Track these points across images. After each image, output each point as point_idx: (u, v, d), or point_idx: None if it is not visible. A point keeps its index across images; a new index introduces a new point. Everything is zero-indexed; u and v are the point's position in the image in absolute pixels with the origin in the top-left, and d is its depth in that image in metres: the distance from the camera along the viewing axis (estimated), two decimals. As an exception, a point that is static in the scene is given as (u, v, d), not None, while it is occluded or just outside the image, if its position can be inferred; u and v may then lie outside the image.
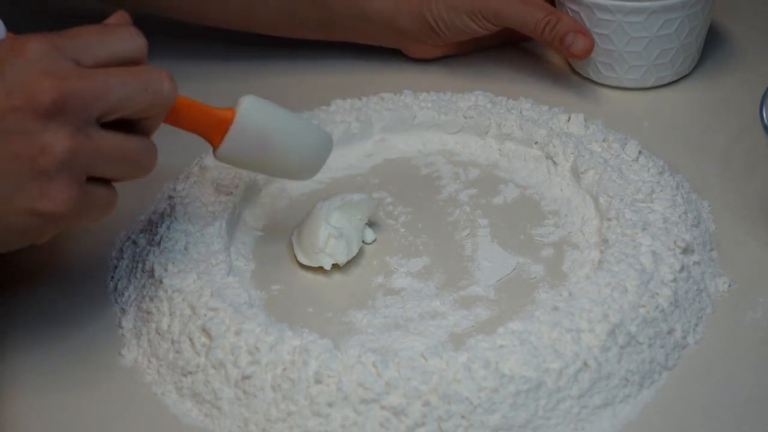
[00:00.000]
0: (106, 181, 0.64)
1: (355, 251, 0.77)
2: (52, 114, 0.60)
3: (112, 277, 0.78)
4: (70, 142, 0.60)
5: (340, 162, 0.86)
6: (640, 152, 0.81)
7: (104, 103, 0.61)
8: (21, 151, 0.60)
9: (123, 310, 0.75)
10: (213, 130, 0.69)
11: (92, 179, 0.63)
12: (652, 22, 0.88)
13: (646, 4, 0.88)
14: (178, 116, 0.67)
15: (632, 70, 0.91)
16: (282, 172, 0.75)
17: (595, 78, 0.93)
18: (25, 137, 0.60)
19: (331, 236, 0.76)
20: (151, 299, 0.73)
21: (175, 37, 1.01)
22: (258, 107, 0.70)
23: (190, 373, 0.69)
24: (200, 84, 0.96)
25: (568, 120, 0.85)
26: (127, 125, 0.63)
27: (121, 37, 0.63)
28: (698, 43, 0.92)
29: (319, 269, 0.77)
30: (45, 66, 0.60)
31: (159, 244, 0.76)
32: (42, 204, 0.61)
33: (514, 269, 0.77)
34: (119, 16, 0.66)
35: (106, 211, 0.65)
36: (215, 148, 0.70)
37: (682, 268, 0.72)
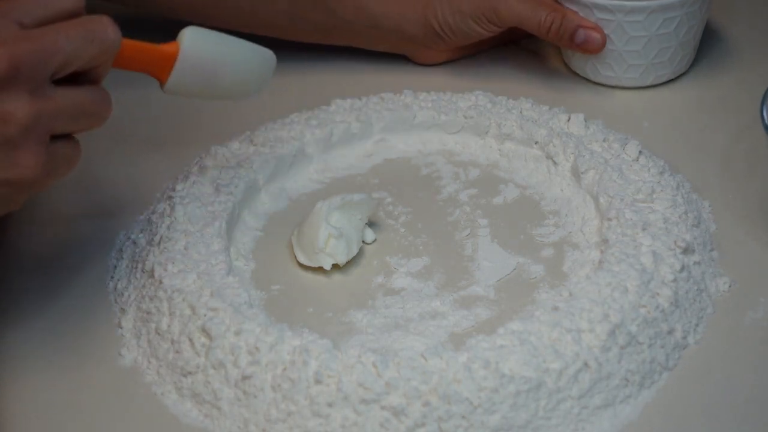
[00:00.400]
0: (67, 136, 0.64)
1: (355, 251, 0.77)
2: (7, 81, 0.59)
3: (112, 277, 0.78)
4: (29, 107, 0.60)
5: (340, 162, 0.86)
6: (640, 152, 0.81)
7: (55, 61, 0.60)
8: None
9: (123, 310, 0.75)
10: (159, 67, 0.69)
11: (54, 137, 0.63)
12: (652, 21, 0.88)
13: (646, 3, 0.88)
14: (124, 59, 0.67)
15: (631, 69, 0.91)
16: (228, 96, 0.76)
17: (592, 77, 0.93)
18: None
19: (331, 236, 0.76)
20: (151, 299, 0.73)
21: (174, 37, 1.01)
22: (199, 37, 0.71)
23: (190, 373, 0.69)
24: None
25: (568, 120, 0.85)
26: (77, 78, 0.63)
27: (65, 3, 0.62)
28: (695, 42, 0.92)
29: (319, 269, 0.77)
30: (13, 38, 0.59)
31: (159, 244, 0.76)
32: (12, 173, 0.61)
33: (514, 269, 0.77)
34: None
35: (73, 164, 0.64)
36: (162, 83, 0.70)
37: (682, 268, 0.72)
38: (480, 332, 0.70)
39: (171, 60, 0.70)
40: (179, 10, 0.95)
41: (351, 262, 0.77)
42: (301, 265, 0.77)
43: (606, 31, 0.89)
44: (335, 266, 0.77)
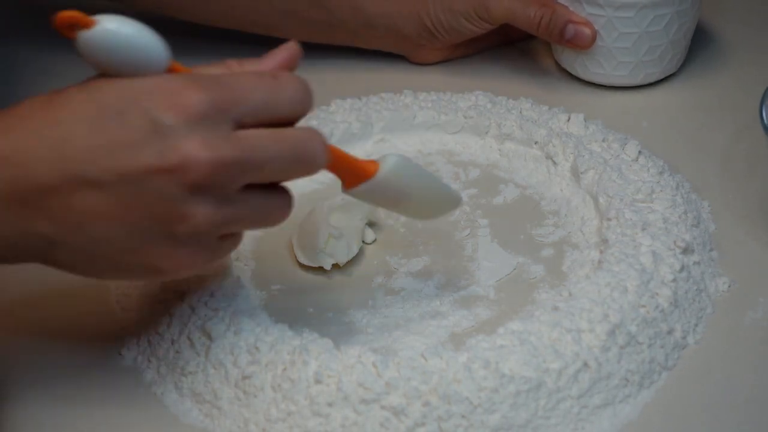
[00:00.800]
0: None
1: (355, 251, 0.77)
2: (200, 188, 0.57)
3: (112, 277, 0.78)
4: (211, 217, 0.58)
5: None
6: (639, 152, 0.81)
7: (256, 175, 0.59)
8: (159, 213, 0.58)
9: (123, 310, 0.75)
10: (351, 176, 0.67)
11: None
12: (642, 17, 0.88)
13: None
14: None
15: (620, 66, 0.91)
16: (403, 215, 0.75)
17: (582, 75, 0.93)
18: (167, 202, 0.58)
19: (331, 236, 0.76)
20: (151, 299, 0.73)
21: (176, 35, 1.01)
22: (401, 168, 0.68)
23: (190, 372, 0.69)
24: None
25: (568, 120, 0.85)
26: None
27: (291, 98, 0.60)
28: (686, 41, 0.92)
29: (319, 269, 0.77)
30: (204, 135, 0.57)
31: (159, 244, 0.76)
32: (165, 263, 0.60)
33: (514, 269, 0.77)
34: (289, 57, 0.63)
35: (226, 256, 0.63)
36: (345, 188, 0.67)
37: (682, 268, 0.72)
38: (480, 332, 0.70)
39: (365, 178, 0.66)
40: (172, 7, 0.95)
41: (351, 262, 0.77)
42: (301, 265, 0.78)
43: (596, 27, 0.89)
44: (335, 266, 0.77)
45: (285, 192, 0.62)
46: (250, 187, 0.60)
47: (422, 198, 0.71)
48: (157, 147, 0.57)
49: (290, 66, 0.63)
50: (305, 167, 0.61)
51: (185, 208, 0.58)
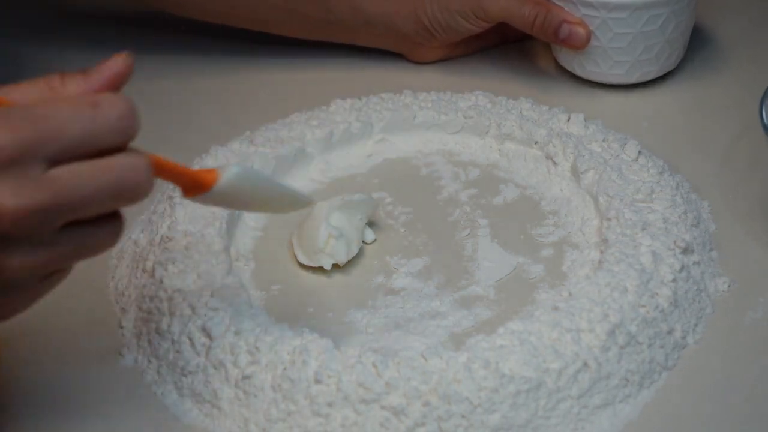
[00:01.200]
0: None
1: (355, 251, 0.77)
2: (9, 238, 0.53)
3: (113, 277, 0.78)
4: (28, 263, 0.54)
5: (341, 162, 0.86)
6: (639, 152, 0.81)
7: (73, 214, 0.54)
8: None
9: (123, 310, 0.75)
10: (190, 187, 0.62)
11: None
12: (637, 18, 0.88)
13: (630, 0, 0.88)
14: (155, 173, 0.60)
15: (616, 65, 0.91)
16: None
17: (579, 73, 0.93)
18: None
19: (331, 236, 0.76)
20: (152, 299, 0.73)
21: (175, 34, 1.01)
22: (242, 179, 0.63)
23: (191, 372, 0.69)
24: (200, 82, 0.97)
25: (568, 120, 0.85)
26: None
27: (112, 127, 0.54)
28: (684, 39, 0.92)
29: (319, 269, 0.77)
30: (12, 181, 0.52)
31: (159, 244, 0.76)
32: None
33: (514, 269, 0.77)
34: (117, 74, 0.57)
35: (53, 289, 0.58)
36: (184, 196, 0.63)
37: (681, 268, 0.72)
38: (480, 332, 0.70)
39: (202, 190, 0.63)
40: (172, 4, 0.95)
41: (351, 262, 0.77)
42: (301, 265, 0.78)
43: (591, 28, 0.89)
44: (335, 266, 0.77)
45: (113, 218, 0.57)
46: (71, 224, 0.55)
47: (266, 203, 0.69)
48: None
49: (118, 83, 0.57)
50: (128, 198, 0.55)
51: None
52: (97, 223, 0.56)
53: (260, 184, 0.67)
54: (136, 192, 0.55)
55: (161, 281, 0.73)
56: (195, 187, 0.62)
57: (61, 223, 0.54)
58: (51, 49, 0.99)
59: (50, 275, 0.57)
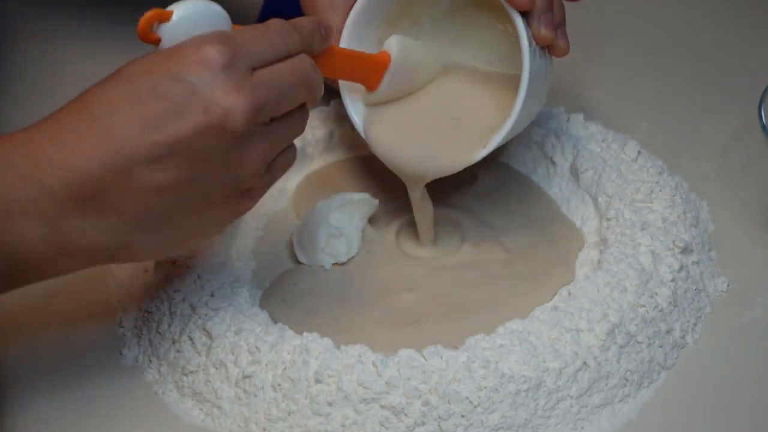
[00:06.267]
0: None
1: (355, 251, 0.78)
2: (243, 133, 0.61)
3: (114, 277, 0.78)
4: (264, 150, 0.63)
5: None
6: (639, 152, 0.81)
7: (278, 107, 0.63)
8: (219, 166, 0.61)
9: (124, 310, 0.75)
10: (371, 74, 0.73)
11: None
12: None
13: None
14: (336, 68, 0.70)
15: None
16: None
17: None
18: (222, 153, 0.61)
19: (331, 236, 0.76)
20: (152, 299, 0.73)
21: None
22: (404, 47, 0.74)
23: (191, 372, 0.69)
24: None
25: (568, 120, 0.85)
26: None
27: (286, 39, 0.64)
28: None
29: (319, 269, 0.77)
30: (233, 84, 0.60)
31: (160, 243, 0.76)
32: (241, 206, 0.64)
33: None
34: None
35: (282, 174, 0.67)
36: (371, 89, 0.74)
37: (681, 268, 0.73)
38: (480, 332, 0.70)
39: (385, 66, 0.73)
40: None
41: (351, 262, 0.78)
42: (301, 265, 0.78)
43: None
44: (335, 266, 0.77)
45: (300, 109, 0.66)
46: (272, 119, 0.63)
47: (424, 64, 0.76)
48: (197, 106, 0.60)
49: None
50: (312, 91, 0.65)
51: (240, 153, 0.62)
52: (291, 114, 0.65)
53: (411, 43, 0.74)
54: (317, 85, 0.65)
55: (162, 281, 0.73)
56: (377, 69, 0.72)
57: (270, 116, 0.63)
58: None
59: (273, 163, 0.65)
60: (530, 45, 0.71)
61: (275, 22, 0.64)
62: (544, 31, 0.72)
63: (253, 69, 0.62)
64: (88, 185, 0.59)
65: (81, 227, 0.60)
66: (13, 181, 0.59)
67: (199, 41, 0.61)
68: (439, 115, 0.76)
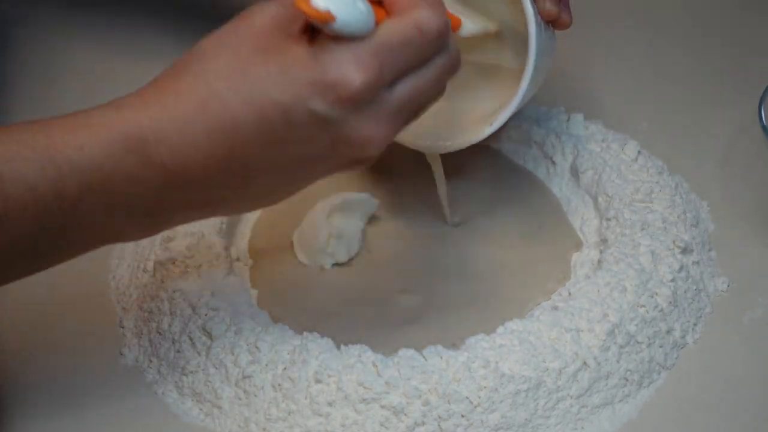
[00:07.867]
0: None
1: (355, 251, 0.78)
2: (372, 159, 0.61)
3: (114, 277, 0.78)
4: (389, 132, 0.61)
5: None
6: (639, 152, 0.81)
7: (414, 119, 0.63)
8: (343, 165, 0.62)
9: (124, 310, 0.75)
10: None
11: None
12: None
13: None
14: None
15: None
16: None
17: None
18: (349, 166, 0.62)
19: (331, 236, 0.76)
20: (152, 299, 0.73)
21: (176, 30, 1.01)
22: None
23: (191, 372, 0.69)
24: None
25: (568, 120, 0.85)
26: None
27: (432, 45, 0.61)
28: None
29: (319, 269, 0.77)
30: (378, 115, 0.59)
31: (160, 243, 0.76)
32: (357, 166, 0.63)
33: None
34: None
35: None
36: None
37: (681, 268, 0.73)
38: (480, 331, 0.70)
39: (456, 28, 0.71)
40: None
41: (351, 262, 0.78)
42: (301, 265, 0.78)
43: None
44: (335, 266, 0.77)
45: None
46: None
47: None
48: (343, 139, 0.59)
49: None
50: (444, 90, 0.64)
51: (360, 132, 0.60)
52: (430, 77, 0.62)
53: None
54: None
55: (162, 281, 0.73)
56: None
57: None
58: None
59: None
60: (536, 20, 0.71)
61: (427, 20, 0.61)
62: (549, 6, 0.72)
63: (392, 83, 0.60)
64: (194, 166, 0.59)
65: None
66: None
67: (340, 67, 0.58)
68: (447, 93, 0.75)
